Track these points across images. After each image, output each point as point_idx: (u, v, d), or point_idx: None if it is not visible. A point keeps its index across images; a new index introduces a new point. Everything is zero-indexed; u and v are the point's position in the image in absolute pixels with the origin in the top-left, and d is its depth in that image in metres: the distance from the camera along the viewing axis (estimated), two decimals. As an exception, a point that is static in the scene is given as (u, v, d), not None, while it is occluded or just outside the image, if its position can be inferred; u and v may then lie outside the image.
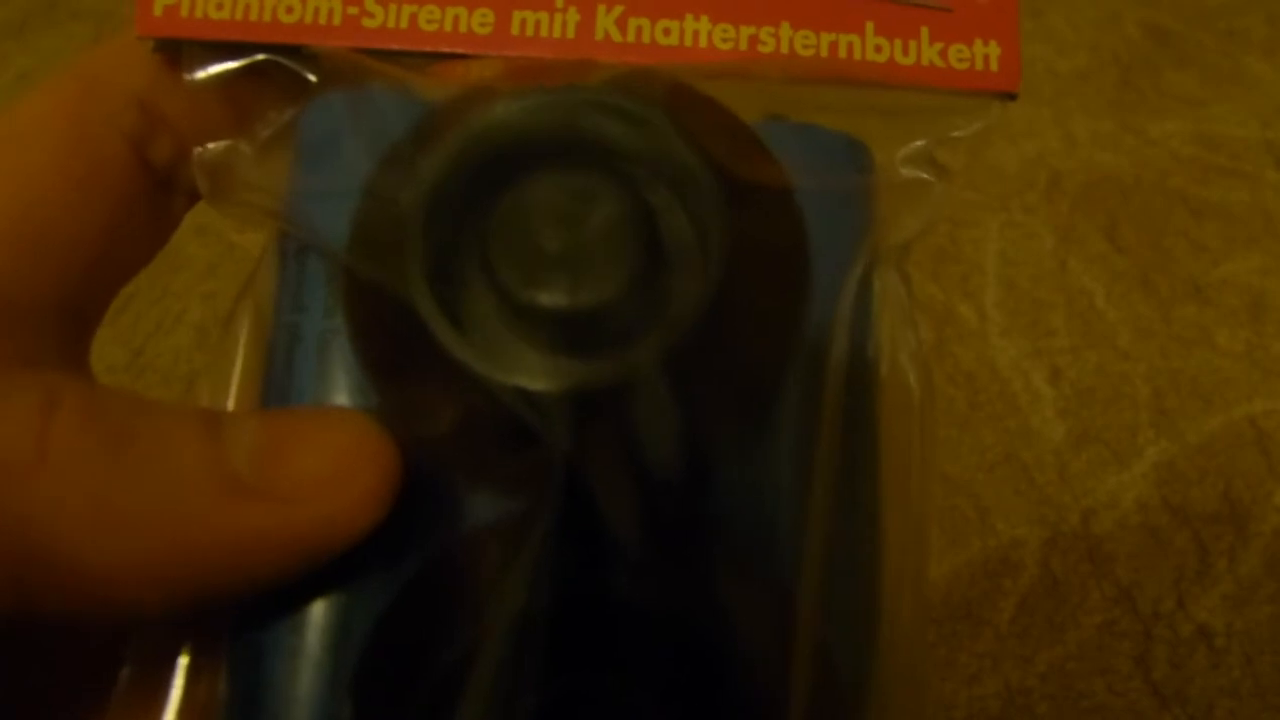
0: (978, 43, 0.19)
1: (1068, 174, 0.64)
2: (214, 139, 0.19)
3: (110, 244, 0.18)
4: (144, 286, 0.61)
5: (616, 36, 0.18)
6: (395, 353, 0.16)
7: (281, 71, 0.18)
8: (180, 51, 0.19)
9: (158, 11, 0.18)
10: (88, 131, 0.18)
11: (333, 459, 0.16)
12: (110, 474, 0.15)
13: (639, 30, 0.18)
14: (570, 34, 0.18)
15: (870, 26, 0.19)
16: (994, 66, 0.19)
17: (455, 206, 0.15)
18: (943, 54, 0.19)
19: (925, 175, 0.19)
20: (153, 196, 0.19)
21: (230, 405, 0.18)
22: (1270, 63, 0.68)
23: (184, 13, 0.18)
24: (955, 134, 0.19)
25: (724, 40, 0.18)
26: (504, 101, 0.16)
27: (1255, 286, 0.59)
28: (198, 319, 0.59)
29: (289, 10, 0.18)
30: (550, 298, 0.15)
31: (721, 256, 0.15)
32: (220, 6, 0.18)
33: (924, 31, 0.19)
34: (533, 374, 0.15)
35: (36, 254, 0.18)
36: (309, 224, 0.18)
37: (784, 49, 0.18)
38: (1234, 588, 0.49)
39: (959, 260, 0.60)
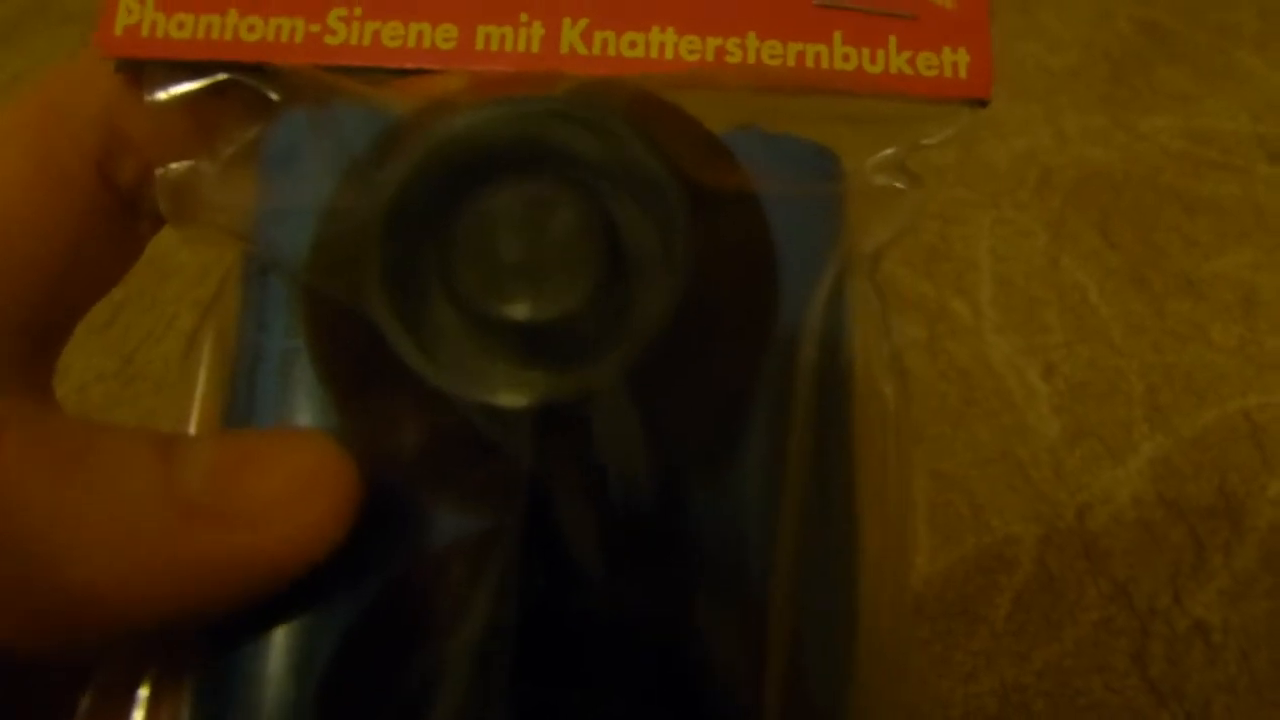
0: (946, 50, 0.18)
1: (1059, 170, 0.63)
2: (178, 158, 0.18)
3: (73, 266, 0.18)
4: (134, 294, 0.61)
5: (582, 49, 0.18)
6: (357, 369, 0.16)
7: (245, 90, 0.18)
8: (143, 71, 0.18)
9: (118, 31, 0.18)
10: (50, 152, 0.18)
11: (290, 480, 0.15)
12: (58, 497, 0.15)
13: (604, 43, 0.18)
14: (535, 48, 0.18)
15: (838, 36, 0.18)
16: (963, 74, 0.18)
17: (415, 218, 0.15)
18: (911, 62, 0.18)
19: (897, 183, 0.19)
20: (117, 218, 0.19)
21: (192, 427, 0.18)
22: (1261, 57, 0.68)
23: (145, 32, 0.18)
24: (926, 141, 0.18)
25: (690, 52, 0.18)
26: (464, 112, 0.15)
27: (1247, 281, 0.59)
28: (188, 326, 0.59)
29: (251, 29, 0.18)
30: (512, 309, 0.15)
31: (686, 266, 0.15)
32: (181, 26, 0.18)
33: (892, 40, 0.18)
34: (495, 387, 0.15)
35: (1, 275, 0.17)
36: (271, 243, 0.17)
37: (751, 59, 0.18)
38: (1230, 582, 0.49)
39: (951, 258, 0.60)
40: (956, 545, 0.51)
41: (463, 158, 0.15)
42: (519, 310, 0.15)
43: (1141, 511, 0.51)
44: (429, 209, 0.15)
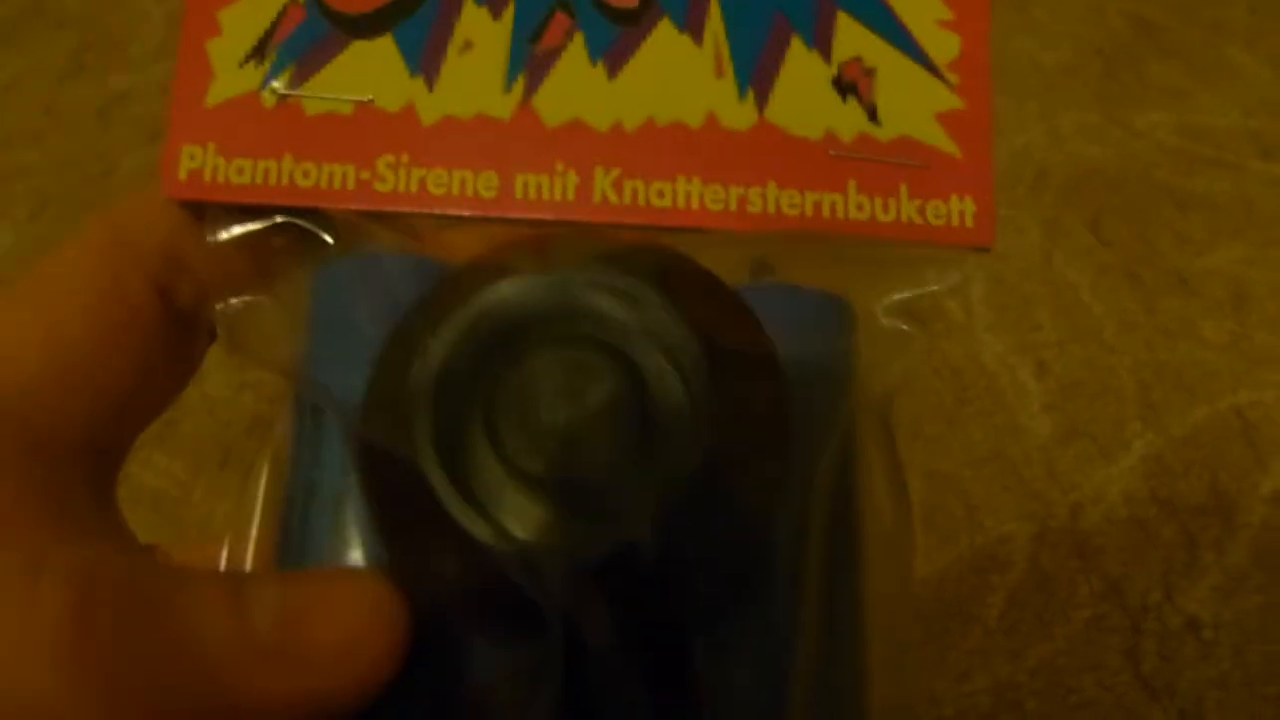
0: (954, 199, 0.20)
1: (1053, 168, 0.64)
2: (235, 286, 0.20)
3: (137, 385, 0.19)
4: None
5: (614, 199, 0.19)
6: (406, 509, 0.17)
7: (300, 231, 0.20)
8: (203, 207, 0.20)
9: (182, 176, 0.19)
10: (117, 279, 0.19)
11: (349, 626, 0.17)
12: (144, 649, 0.16)
13: (634, 192, 0.20)
14: (570, 196, 0.19)
15: (852, 185, 0.20)
16: (969, 222, 0.19)
17: (461, 381, 0.16)
18: (921, 211, 0.20)
19: (905, 326, 0.20)
20: (176, 338, 0.20)
21: (250, 555, 0.19)
22: (1253, 52, 0.68)
23: (206, 177, 0.19)
24: (932, 288, 0.20)
25: (714, 201, 0.20)
26: (506, 282, 0.16)
27: (1239, 277, 0.59)
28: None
29: (305, 175, 0.19)
30: (551, 468, 0.16)
31: (709, 426, 0.16)
32: (240, 171, 0.19)
33: (903, 189, 0.20)
34: (533, 538, 0.16)
35: (69, 398, 0.18)
36: (323, 386, 0.19)
37: (771, 209, 0.20)
38: (1222, 579, 0.50)
39: (944, 256, 0.60)
40: (951, 545, 0.51)
41: (504, 325, 0.16)
42: (557, 469, 0.16)
43: (1134, 509, 0.52)
44: (474, 372, 0.16)
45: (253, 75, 0.20)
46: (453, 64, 0.20)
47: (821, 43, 0.20)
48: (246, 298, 0.20)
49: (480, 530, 0.16)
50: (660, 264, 0.18)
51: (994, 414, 0.55)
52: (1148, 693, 0.47)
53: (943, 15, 0.20)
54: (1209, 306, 0.58)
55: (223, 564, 0.19)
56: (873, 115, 0.20)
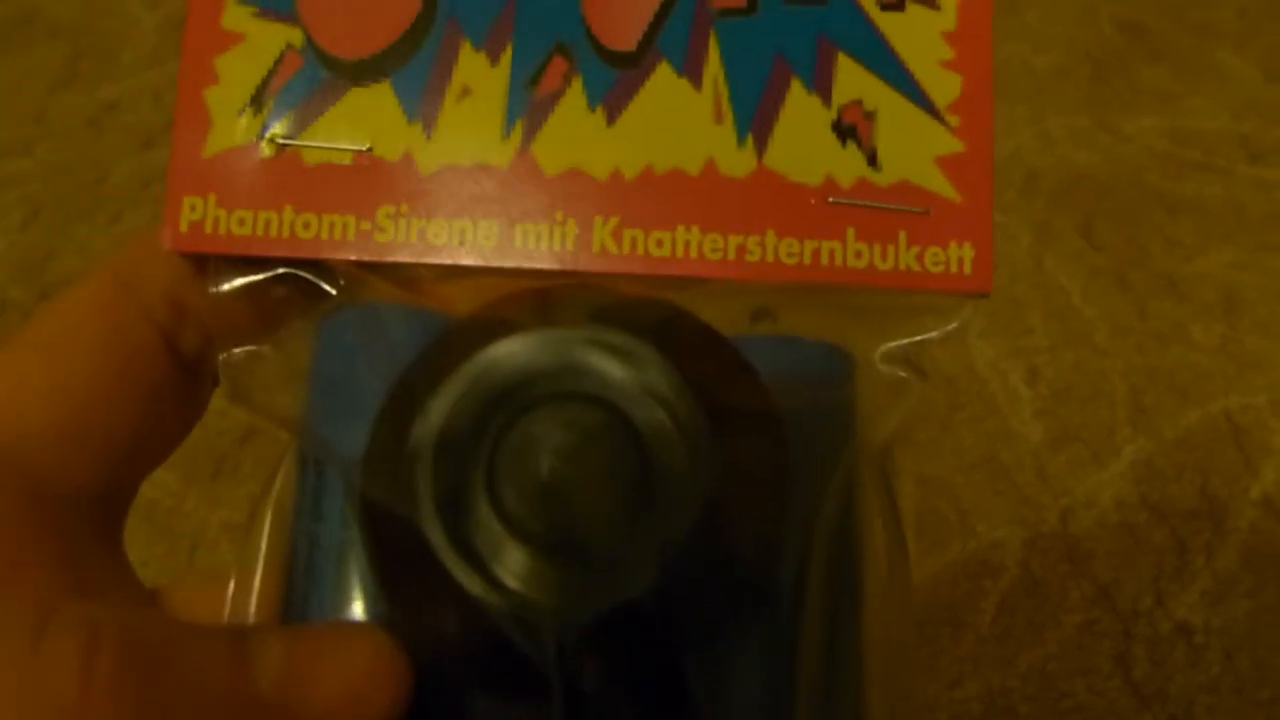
0: (952, 245, 0.19)
1: (1044, 172, 0.64)
2: (237, 336, 0.20)
3: (142, 432, 0.19)
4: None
5: (613, 248, 0.19)
6: (408, 569, 0.17)
7: (301, 281, 0.20)
8: (206, 258, 0.20)
9: (184, 228, 0.19)
10: (122, 328, 0.19)
11: (351, 682, 0.17)
12: (147, 706, 0.16)
13: (633, 242, 0.19)
14: (570, 246, 0.19)
15: (851, 233, 0.19)
16: (967, 269, 0.19)
17: (462, 440, 0.16)
18: (919, 258, 0.19)
19: (903, 373, 0.19)
20: (181, 385, 0.20)
21: (253, 605, 0.19)
22: (1241, 55, 0.68)
23: (208, 229, 0.19)
24: (931, 334, 0.19)
25: (713, 250, 0.19)
26: (505, 340, 0.17)
27: (1229, 280, 0.59)
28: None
29: (306, 226, 0.19)
30: (550, 526, 0.16)
31: (709, 486, 0.16)
32: (242, 223, 0.19)
33: (902, 236, 0.19)
34: (534, 598, 0.16)
35: (75, 447, 0.19)
36: (324, 441, 0.19)
37: (770, 258, 0.19)
38: (1212, 584, 0.50)
39: (936, 262, 0.60)
40: (943, 551, 0.51)
41: (504, 384, 0.17)
42: (556, 527, 0.16)
43: (1124, 514, 0.52)
44: (474, 431, 0.16)
45: (251, 124, 0.20)
46: (451, 111, 0.20)
47: (822, 86, 0.20)
48: (249, 348, 0.20)
49: (479, 589, 0.16)
50: (659, 319, 0.18)
51: (985, 419, 0.55)
52: (1138, 699, 0.47)
53: (945, 55, 0.20)
54: (1200, 310, 0.58)
55: (227, 611, 0.19)
56: (872, 160, 0.20)
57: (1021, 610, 0.49)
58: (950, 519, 0.52)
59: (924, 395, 0.19)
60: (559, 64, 0.20)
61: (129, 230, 0.64)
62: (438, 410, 0.16)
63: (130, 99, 0.70)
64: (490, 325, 0.17)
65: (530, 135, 0.20)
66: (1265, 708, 0.47)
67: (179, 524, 0.52)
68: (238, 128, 0.20)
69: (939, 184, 0.20)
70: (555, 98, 0.20)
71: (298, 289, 0.20)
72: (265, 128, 0.20)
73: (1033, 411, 0.55)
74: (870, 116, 0.20)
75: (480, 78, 0.20)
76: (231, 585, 0.19)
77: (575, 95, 0.20)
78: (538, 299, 0.19)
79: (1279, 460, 0.53)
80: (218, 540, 0.52)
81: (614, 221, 0.19)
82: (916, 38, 0.20)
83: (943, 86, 0.20)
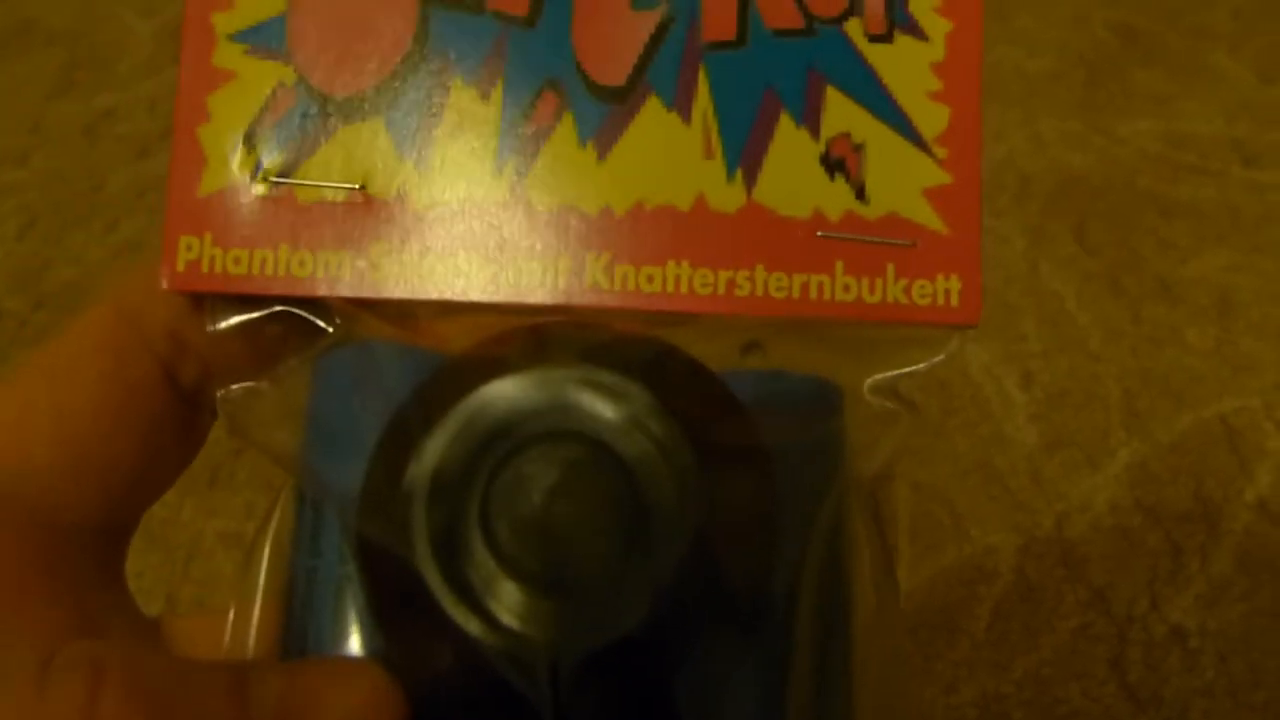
0: (939, 278, 0.20)
1: (1037, 176, 0.64)
2: (235, 371, 0.20)
3: (144, 465, 0.20)
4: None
5: (604, 284, 0.20)
6: (405, 606, 0.17)
7: (298, 318, 0.20)
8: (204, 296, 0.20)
9: (180, 267, 0.19)
10: (123, 362, 0.19)
11: (348, 717, 0.17)
12: None
13: (624, 278, 0.20)
14: (561, 283, 0.20)
15: (839, 266, 0.20)
16: (954, 301, 0.19)
17: (455, 479, 0.17)
18: (907, 290, 0.20)
19: (891, 405, 0.20)
20: (181, 417, 0.20)
21: (252, 638, 0.19)
22: (1235, 58, 0.68)
23: (205, 268, 0.19)
24: (919, 366, 0.20)
25: (703, 285, 0.20)
26: (497, 381, 0.17)
27: (1223, 283, 0.59)
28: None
29: (301, 264, 0.20)
30: (543, 564, 0.16)
31: (699, 522, 0.16)
32: (237, 261, 0.20)
33: (890, 269, 0.20)
34: (528, 634, 0.16)
35: (80, 480, 0.19)
36: (321, 479, 0.19)
37: (759, 292, 0.20)
38: (1206, 587, 0.50)
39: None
40: (938, 556, 0.51)
41: (497, 424, 0.17)
42: (550, 564, 0.16)
43: (1119, 518, 0.52)
44: (468, 470, 0.17)
45: (245, 162, 0.20)
46: (443, 147, 0.20)
47: (810, 119, 0.20)
48: (247, 384, 0.20)
49: (474, 626, 0.16)
50: (650, 357, 0.18)
51: (980, 424, 0.55)
52: (1134, 703, 0.47)
53: (933, 86, 0.20)
54: (1193, 313, 0.58)
55: (226, 642, 0.19)
56: (860, 193, 0.20)
57: (1017, 615, 0.50)
58: (945, 524, 0.52)
59: (912, 426, 0.20)
60: (549, 99, 0.20)
61: (125, 239, 0.64)
62: (432, 450, 0.17)
63: (126, 108, 0.70)
64: (483, 363, 0.17)
65: (522, 171, 0.20)
66: (1260, 711, 0.47)
67: (174, 534, 0.53)
68: (232, 166, 0.20)
69: (927, 216, 0.20)
70: (546, 133, 0.20)
71: (294, 326, 0.20)
72: (259, 166, 0.20)
73: (1027, 416, 0.55)
74: (859, 149, 0.20)
75: (472, 114, 0.20)
76: (231, 616, 0.19)
77: (566, 131, 0.20)
78: (530, 336, 0.19)
79: (1273, 463, 0.53)
80: (213, 550, 0.52)
81: (605, 257, 0.20)
82: (905, 69, 0.20)
83: (931, 118, 0.20)
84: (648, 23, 0.20)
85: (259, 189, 0.20)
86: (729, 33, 0.20)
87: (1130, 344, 0.57)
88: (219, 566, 0.52)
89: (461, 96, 0.20)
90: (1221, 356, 0.57)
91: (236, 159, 0.20)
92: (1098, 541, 0.51)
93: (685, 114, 0.20)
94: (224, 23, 0.20)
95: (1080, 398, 0.56)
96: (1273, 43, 0.68)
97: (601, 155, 0.20)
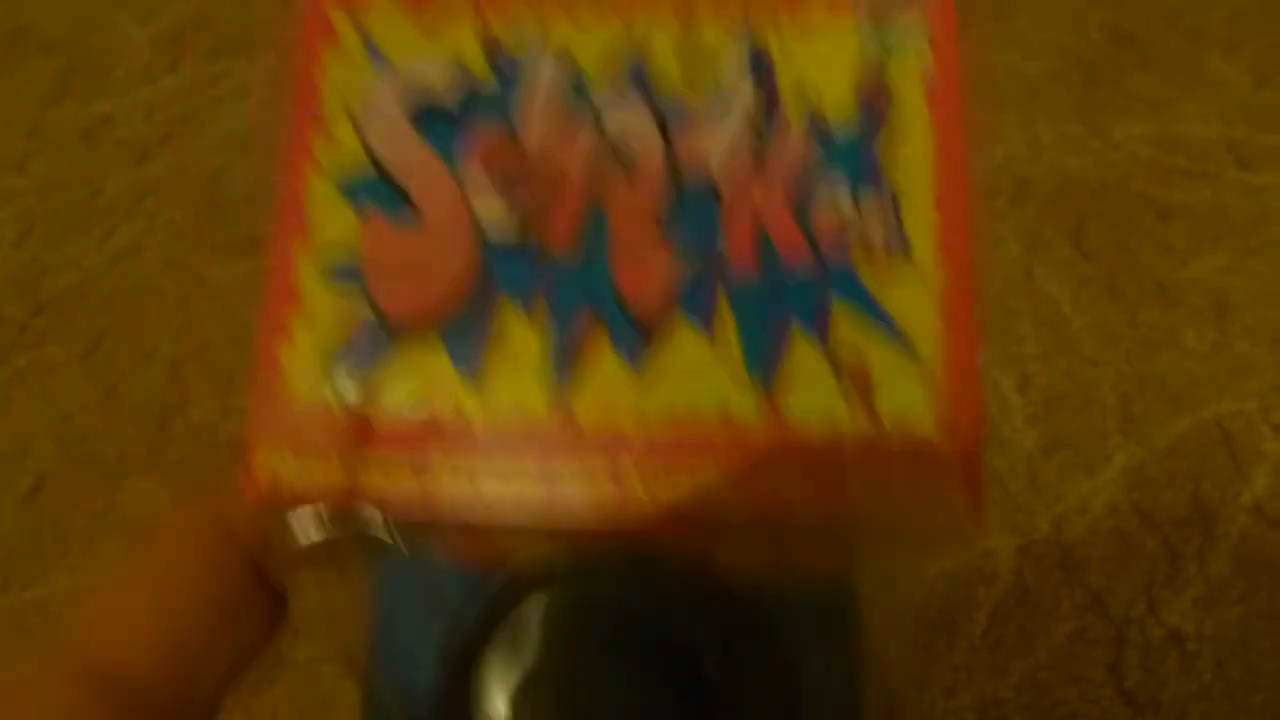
0: (945, 490, 0.21)
1: (1034, 180, 0.64)
2: (313, 570, 0.22)
3: (236, 655, 0.21)
4: (115, 322, 0.61)
5: (642, 498, 0.21)
6: None
7: (365, 526, 0.22)
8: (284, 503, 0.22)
9: (264, 479, 0.22)
10: (218, 564, 0.21)
11: None
12: None
13: (660, 490, 0.21)
14: (604, 496, 0.21)
15: (855, 476, 0.21)
16: (959, 512, 0.21)
17: (509, 691, 0.18)
18: (915, 499, 0.21)
19: (902, 611, 0.21)
20: (268, 608, 0.22)
21: None
22: (1231, 61, 0.68)
23: (286, 480, 0.22)
24: (921, 568, 0.21)
25: (733, 495, 0.21)
26: (544, 601, 0.19)
27: (1219, 286, 0.59)
28: (170, 354, 0.59)
29: (370, 478, 0.21)
30: None
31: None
32: (315, 475, 0.22)
33: (900, 479, 0.21)
34: None
35: (180, 674, 0.21)
36: (383, 683, 0.21)
37: (783, 499, 0.21)
38: (1204, 590, 0.50)
39: (927, 270, 0.60)
40: (936, 558, 0.51)
41: (544, 642, 0.19)
42: None
43: (1117, 521, 0.52)
44: (522, 683, 0.19)
45: (322, 382, 0.22)
46: (496, 371, 0.22)
47: (825, 341, 0.22)
48: (320, 586, 0.22)
49: None
50: (683, 573, 0.20)
51: (978, 427, 0.55)
52: (1131, 707, 0.47)
53: (933, 314, 0.22)
54: (1190, 316, 0.58)
55: None
56: (872, 409, 0.21)
57: (1014, 619, 0.50)
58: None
59: (916, 608, 0.21)
60: (591, 326, 0.22)
61: (123, 245, 0.64)
62: (489, 679, 0.19)
63: (124, 114, 0.70)
64: (529, 582, 0.19)
65: (567, 391, 0.22)
66: (1257, 713, 0.47)
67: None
68: (310, 386, 0.22)
69: (932, 433, 0.22)
70: (588, 357, 0.22)
71: (363, 535, 0.22)
72: (334, 385, 0.22)
73: (1024, 419, 0.55)
74: (869, 370, 0.22)
75: (522, 339, 0.22)
76: None
77: (606, 354, 0.22)
78: (573, 553, 0.21)
79: (1270, 466, 0.54)
80: None
81: (643, 470, 0.21)
82: (908, 299, 0.22)
83: (932, 343, 0.22)
84: (678, 257, 0.22)
85: (334, 406, 0.22)
86: (750, 268, 0.22)
87: (1127, 347, 0.57)
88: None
89: (513, 324, 0.22)
90: (1218, 359, 0.57)
91: (315, 379, 0.22)
92: (1095, 544, 0.51)
93: (712, 338, 0.22)
94: (305, 254, 0.22)
95: (1077, 401, 0.56)
96: (1268, 46, 0.68)
97: (638, 375, 0.22)
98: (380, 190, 0.23)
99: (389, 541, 0.21)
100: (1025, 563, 0.51)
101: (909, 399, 0.22)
